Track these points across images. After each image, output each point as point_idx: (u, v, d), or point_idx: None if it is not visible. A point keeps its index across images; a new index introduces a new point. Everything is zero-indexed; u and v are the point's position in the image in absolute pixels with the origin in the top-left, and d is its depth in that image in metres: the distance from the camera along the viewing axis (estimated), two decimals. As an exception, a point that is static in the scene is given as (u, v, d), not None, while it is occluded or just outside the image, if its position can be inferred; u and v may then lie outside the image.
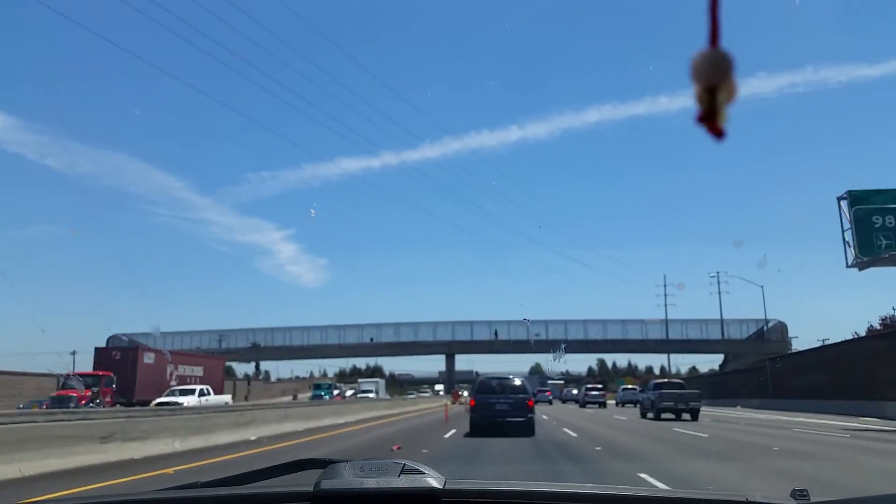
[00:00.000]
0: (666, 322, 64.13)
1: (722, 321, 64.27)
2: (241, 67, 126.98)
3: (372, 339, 66.27)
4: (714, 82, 0.85)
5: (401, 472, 1.56)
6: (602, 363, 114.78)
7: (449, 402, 54.61)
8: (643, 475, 9.17)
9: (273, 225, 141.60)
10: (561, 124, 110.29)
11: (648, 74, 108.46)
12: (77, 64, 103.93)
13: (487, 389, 17.75)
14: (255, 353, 63.43)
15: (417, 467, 1.60)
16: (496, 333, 63.59)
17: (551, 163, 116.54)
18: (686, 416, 27.22)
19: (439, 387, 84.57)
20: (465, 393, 72.54)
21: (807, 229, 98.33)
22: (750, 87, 73.57)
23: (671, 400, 27.37)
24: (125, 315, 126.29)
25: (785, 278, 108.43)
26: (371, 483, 1.52)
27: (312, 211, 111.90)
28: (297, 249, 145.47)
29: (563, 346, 52.78)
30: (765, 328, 63.44)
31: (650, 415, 28.67)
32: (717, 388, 62.78)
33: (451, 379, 65.39)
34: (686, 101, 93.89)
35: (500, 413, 17.03)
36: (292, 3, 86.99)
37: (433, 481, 1.55)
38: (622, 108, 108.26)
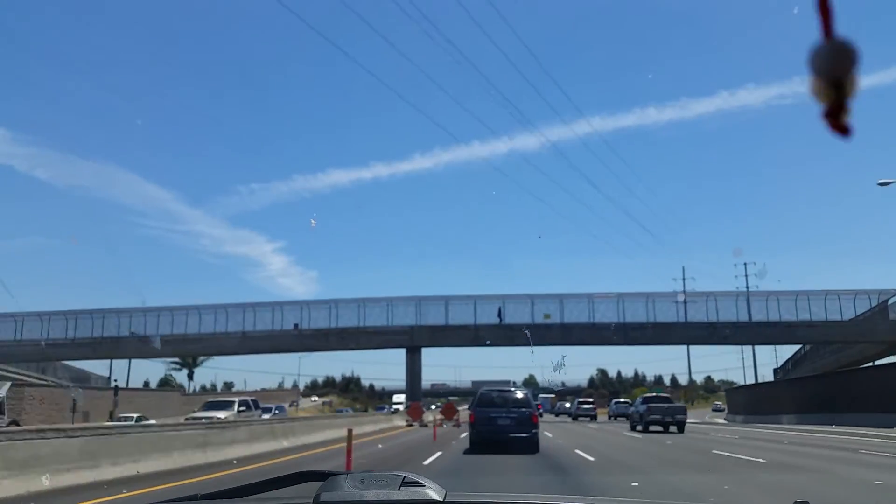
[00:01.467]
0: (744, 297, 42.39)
1: (825, 293, 42.67)
2: (229, 77, 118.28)
3: (297, 326, 43.94)
4: (838, 75, 0.79)
5: (401, 485, 1.55)
6: (604, 374, 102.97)
7: (405, 423, 35.14)
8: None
9: (263, 237, 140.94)
10: (552, 136, 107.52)
11: (639, 87, 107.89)
12: (66, 75, 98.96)
13: (488, 402, 16.90)
14: (112, 347, 40.38)
15: (418, 479, 1.58)
16: (500, 313, 41.55)
17: (541, 173, 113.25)
18: (673, 428, 28.40)
19: (399, 398, 63.60)
20: (434, 407, 58.68)
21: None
22: (738, 98, 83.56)
23: (659, 413, 28.82)
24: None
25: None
26: (371, 495, 1.51)
27: (313, 221, 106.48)
28: (288, 261, 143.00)
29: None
30: (890, 302, 42.02)
31: (639, 427, 29.66)
32: (818, 400, 40.89)
33: (415, 385, 43.15)
34: (673, 112, 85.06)
35: (501, 428, 16.28)
36: (283, 13, 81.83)
37: (434, 494, 1.54)
38: (611, 120, 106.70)
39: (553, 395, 72.73)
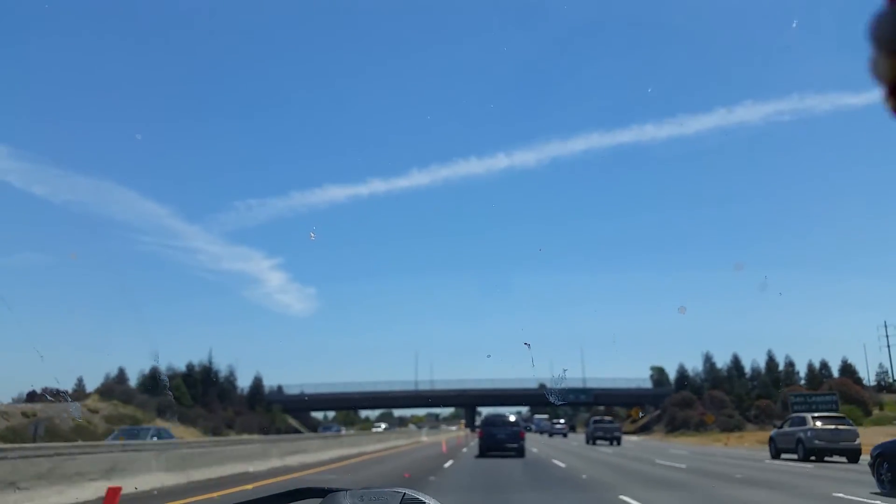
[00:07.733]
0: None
1: None
2: (225, 93, 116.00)
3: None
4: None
5: (401, 502, 1.54)
6: (661, 372, 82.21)
7: None
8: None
9: (261, 253, 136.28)
10: (549, 152, 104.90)
11: (637, 104, 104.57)
12: (64, 90, 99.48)
13: (491, 423, 25.54)
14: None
15: (417, 496, 1.57)
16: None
17: (539, 190, 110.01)
18: (614, 442, 39.75)
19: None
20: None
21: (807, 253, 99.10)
22: (736, 115, 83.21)
23: (601, 431, 40.80)
24: (119, 344, 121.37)
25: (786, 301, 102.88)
26: None
27: (312, 234, 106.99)
28: (286, 278, 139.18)
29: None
30: None
31: (590, 442, 40.90)
32: None
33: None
34: (671, 129, 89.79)
35: (500, 440, 24.69)
36: (280, 26, 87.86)
37: None
38: (609, 137, 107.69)
39: (546, 416, 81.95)
